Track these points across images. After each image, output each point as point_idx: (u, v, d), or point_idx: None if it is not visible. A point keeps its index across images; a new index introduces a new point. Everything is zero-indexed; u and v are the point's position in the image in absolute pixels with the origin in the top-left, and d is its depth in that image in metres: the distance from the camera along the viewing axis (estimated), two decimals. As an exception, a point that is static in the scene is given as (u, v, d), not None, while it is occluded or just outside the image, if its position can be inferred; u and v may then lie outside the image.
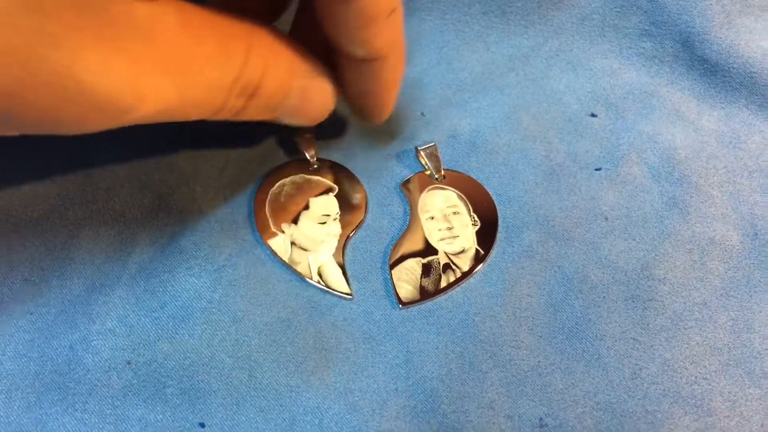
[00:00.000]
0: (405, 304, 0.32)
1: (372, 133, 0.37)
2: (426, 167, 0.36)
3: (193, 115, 0.26)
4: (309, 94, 0.30)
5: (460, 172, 0.36)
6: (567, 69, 0.41)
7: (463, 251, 0.33)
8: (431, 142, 0.36)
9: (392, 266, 0.33)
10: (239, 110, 0.27)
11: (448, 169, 0.36)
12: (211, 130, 0.35)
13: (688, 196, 0.36)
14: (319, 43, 0.31)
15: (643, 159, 0.37)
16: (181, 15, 0.24)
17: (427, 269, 0.33)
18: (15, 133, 0.22)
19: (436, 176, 0.35)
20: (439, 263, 0.33)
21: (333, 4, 0.27)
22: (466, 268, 0.33)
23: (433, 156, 0.36)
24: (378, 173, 0.36)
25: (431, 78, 0.40)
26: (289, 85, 0.29)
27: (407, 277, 0.32)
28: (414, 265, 0.33)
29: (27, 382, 0.29)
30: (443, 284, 0.32)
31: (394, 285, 0.32)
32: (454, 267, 0.33)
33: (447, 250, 0.33)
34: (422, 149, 0.36)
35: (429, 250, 0.33)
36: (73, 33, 0.20)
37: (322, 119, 0.32)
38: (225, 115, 0.27)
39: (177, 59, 0.24)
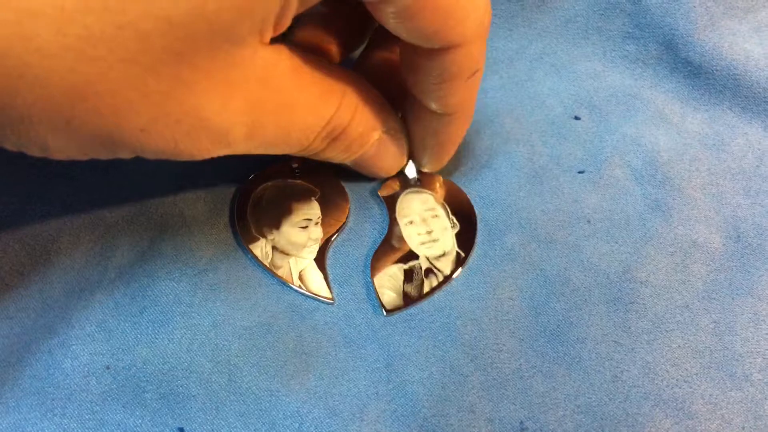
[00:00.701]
0: (389, 311, 0.32)
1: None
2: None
3: (282, 151, 0.28)
4: (386, 148, 0.33)
5: (436, 175, 0.36)
6: (551, 72, 0.41)
7: (443, 254, 0.33)
8: None
9: (374, 273, 0.32)
10: (320, 151, 0.30)
11: (423, 172, 0.36)
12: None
13: (671, 198, 0.36)
14: (393, 86, 0.32)
15: (626, 161, 0.37)
16: (292, 62, 0.26)
17: (409, 275, 0.33)
18: (131, 156, 0.24)
19: (412, 180, 0.35)
20: (420, 268, 0.33)
21: (417, 57, 0.28)
22: (447, 272, 0.33)
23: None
24: (360, 177, 0.36)
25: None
26: (370, 134, 0.31)
27: (390, 284, 0.32)
28: (396, 272, 0.33)
29: (5, 387, 0.28)
30: (426, 289, 0.32)
31: (377, 292, 0.32)
32: (435, 271, 0.33)
33: (428, 255, 0.33)
34: None
35: (410, 255, 0.33)
36: (206, 79, 0.23)
37: (390, 174, 0.35)
38: (305, 154, 0.30)
39: (283, 102, 0.26)
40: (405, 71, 0.30)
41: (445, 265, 0.33)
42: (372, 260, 0.33)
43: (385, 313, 0.32)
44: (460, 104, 0.31)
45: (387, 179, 0.35)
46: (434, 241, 0.34)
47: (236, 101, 0.24)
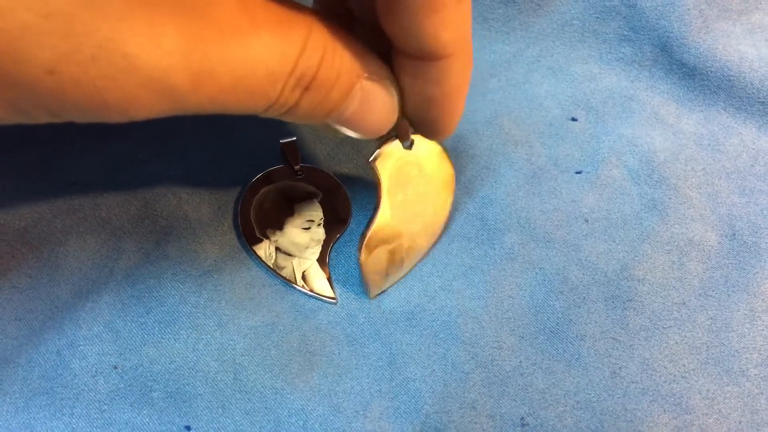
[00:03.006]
0: (375, 296, 0.32)
1: (354, 139, 0.37)
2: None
3: (246, 107, 0.23)
4: (371, 99, 0.27)
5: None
6: (548, 74, 0.41)
7: (422, 228, 0.33)
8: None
9: (362, 255, 0.32)
10: (293, 106, 0.24)
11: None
12: (196, 138, 0.36)
13: (667, 197, 0.37)
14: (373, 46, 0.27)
15: (622, 162, 0.38)
16: None
17: (392, 256, 0.32)
18: (60, 119, 0.20)
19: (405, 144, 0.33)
20: (403, 246, 0.33)
21: None
22: (426, 248, 0.34)
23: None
24: (361, 179, 0.36)
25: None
26: (349, 82, 0.26)
27: (375, 267, 0.32)
28: (381, 254, 0.32)
29: (15, 387, 0.29)
30: (406, 270, 0.33)
31: (364, 279, 0.32)
32: (416, 248, 0.33)
33: (411, 231, 0.33)
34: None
35: (395, 234, 0.32)
36: None
37: (383, 132, 0.29)
38: (277, 111, 0.25)
39: (232, 41, 0.21)
40: (384, 15, 0.25)
41: (425, 241, 0.33)
42: (360, 240, 0.31)
43: (369, 297, 0.32)
44: (455, 39, 0.25)
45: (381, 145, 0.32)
46: (417, 215, 0.33)
47: (169, 35, 0.19)
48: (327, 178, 0.36)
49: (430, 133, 0.30)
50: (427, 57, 0.26)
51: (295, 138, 0.36)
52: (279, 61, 0.23)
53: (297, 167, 0.36)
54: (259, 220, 0.34)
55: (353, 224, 0.35)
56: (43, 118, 0.20)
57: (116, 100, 0.20)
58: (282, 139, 0.36)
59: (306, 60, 0.23)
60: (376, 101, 0.27)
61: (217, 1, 0.21)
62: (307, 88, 0.24)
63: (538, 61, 0.42)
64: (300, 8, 0.24)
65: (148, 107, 0.20)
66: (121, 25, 0.18)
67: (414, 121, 0.30)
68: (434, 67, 0.26)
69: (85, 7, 0.18)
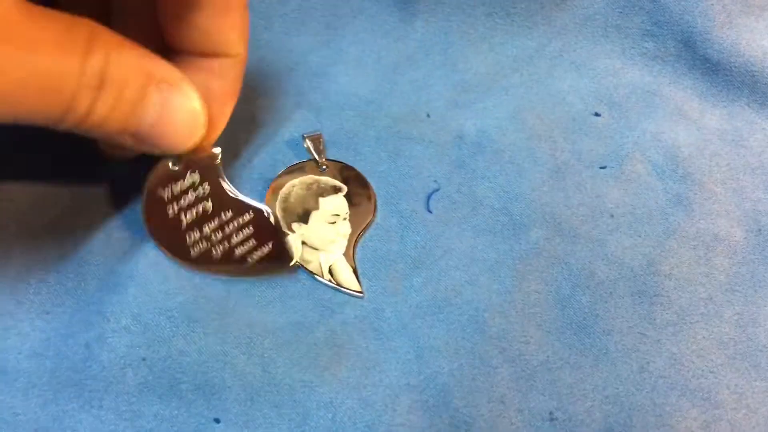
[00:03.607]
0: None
1: (380, 135, 0.37)
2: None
3: (43, 115, 0.23)
4: (171, 106, 0.27)
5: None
6: (571, 69, 0.41)
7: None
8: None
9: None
10: (89, 108, 0.24)
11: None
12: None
13: (692, 193, 0.37)
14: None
15: (646, 157, 0.38)
16: (18, 1, 0.22)
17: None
18: None
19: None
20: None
21: None
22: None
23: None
24: (386, 173, 0.36)
25: (436, 80, 0.40)
26: (140, 82, 0.25)
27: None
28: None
29: (44, 379, 0.29)
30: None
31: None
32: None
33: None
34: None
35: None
36: None
37: (189, 146, 0.29)
38: (75, 118, 0.24)
39: (17, 42, 0.21)
40: (173, 18, 0.27)
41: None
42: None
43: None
44: (241, 40, 0.28)
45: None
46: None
47: None
48: (352, 173, 0.36)
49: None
50: (214, 54, 0.28)
51: (320, 132, 0.36)
52: (67, 60, 0.23)
53: (322, 161, 0.35)
54: (284, 214, 0.34)
55: (379, 218, 0.35)
56: None
57: None
58: (306, 132, 0.36)
59: (94, 59, 0.23)
60: (176, 108, 0.27)
61: None
62: (99, 88, 0.24)
63: (561, 56, 0.41)
64: (80, 17, 0.24)
65: None
66: None
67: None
68: (218, 63, 0.28)
69: None
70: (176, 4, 0.26)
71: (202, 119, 0.28)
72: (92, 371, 0.29)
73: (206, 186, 0.32)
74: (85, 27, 0.23)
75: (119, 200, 0.34)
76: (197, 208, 0.32)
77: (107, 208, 0.34)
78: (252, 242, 0.32)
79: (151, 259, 0.32)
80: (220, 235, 0.32)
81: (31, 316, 0.30)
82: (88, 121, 0.25)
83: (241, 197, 0.32)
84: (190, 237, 0.32)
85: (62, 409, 0.28)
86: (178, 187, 0.31)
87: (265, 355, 0.30)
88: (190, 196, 0.31)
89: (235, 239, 0.32)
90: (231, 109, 0.31)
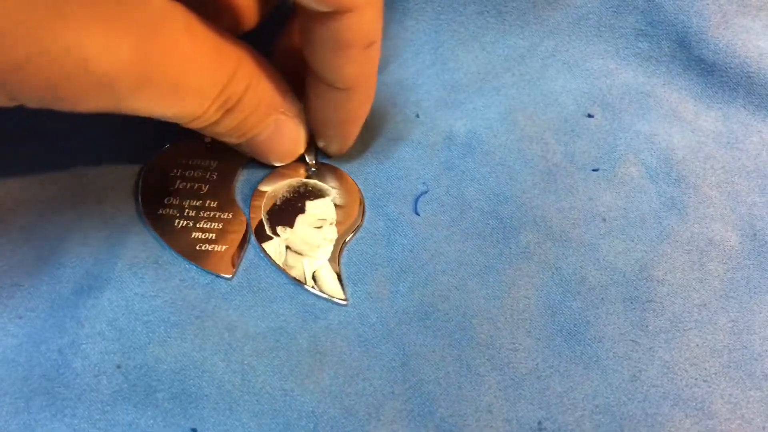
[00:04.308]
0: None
1: (368, 136, 0.36)
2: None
3: (174, 116, 0.27)
4: (283, 130, 0.32)
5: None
6: (563, 69, 0.40)
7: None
8: None
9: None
10: (214, 122, 0.28)
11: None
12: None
13: (686, 196, 0.36)
14: (297, 65, 0.31)
15: (640, 159, 0.37)
16: (186, 17, 0.25)
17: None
18: (12, 104, 0.23)
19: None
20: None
21: (312, 23, 0.28)
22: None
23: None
24: (373, 175, 0.35)
25: (426, 79, 0.39)
26: (266, 113, 0.30)
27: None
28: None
29: (15, 387, 0.28)
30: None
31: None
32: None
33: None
34: None
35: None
36: (86, 9, 0.22)
37: (288, 160, 0.34)
38: (200, 124, 0.28)
39: (176, 59, 0.25)
40: (303, 44, 0.29)
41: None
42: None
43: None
44: (357, 77, 0.30)
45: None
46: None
47: (122, 45, 0.23)
48: (340, 177, 0.35)
49: (327, 149, 0.35)
50: (332, 85, 0.30)
51: (311, 134, 0.35)
52: (210, 84, 0.27)
53: (311, 164, 0.35)
54: (270, 218, 0.33)
55: (366, 223, 0.34)
56: (4, 104, 0.23)
57: (68, 95, 0.23)
58: None
59: (233, 87, 0.28)
60: (286, 133, 0.32)
61: (168, 23, 0.25)
62: (229, 111, 0.28)
63: (553, 56, 0.41)
64: (235, 40, 0.28)
65: (94, 102, 0.24)
66: (83, 34, 0.22)
67: (316, 136, 0.34)
68: (338, 95, 0.31)
69: (54, 17, 0.21)
70: (305, 37, 0.29)
71: (302, 145, 0.34)
72: (65, 379, 0.28)
73: (215, 175, 0.34)
74: (235, 54, 0.28)
75: (96, 202, 0.33)
76: (194, 184, 0.34)
77: (84, 209, 0.33)
78: (212, 236, 0.32)
79: (128, 261, 0.31)
80: (192, 213, 0.33)
81: (3, 320, 0.29)
82: (210, 129, 0.29)
83: (237, 201, 0.34)
84: (169, 199, 0.33)
85: (34, 418, 0.28)
86: (197, 161, 0.34)
87: (245, 362, 0.29)
88: (197, 174, 0.34)
89: (200, 225, 0.32)
90: (353, 133, 0.34)
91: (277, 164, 0.34)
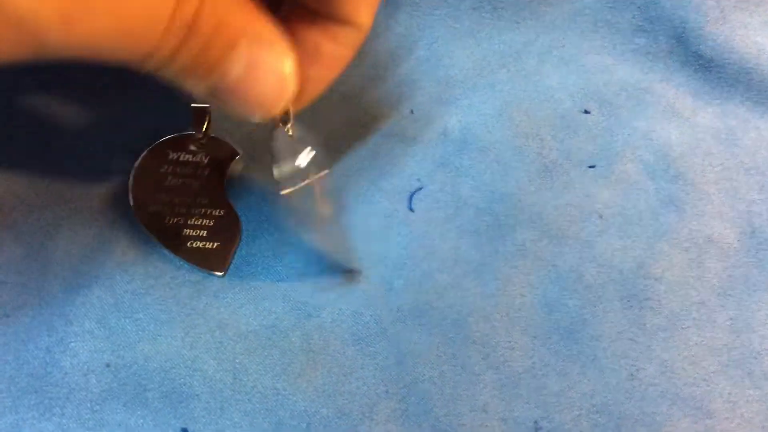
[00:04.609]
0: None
1: (362, 132, 0.36)
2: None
3: (124, 52, 0.21)
4: (259, 65, 0.24)
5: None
6: (559, 65, 0.40)
7: None
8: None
9: None
10: (169, 57, 0.22)
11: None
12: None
13: (684, 193, 0.35)
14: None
15: (637, 156, 0.36)
16: None
17: None
18: None
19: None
20: None
21: None
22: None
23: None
24: (367, 171, 0.35)
25: (420, 75, 0.39)
26: (231, 36, 0.23)
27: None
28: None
29: (2, 386, 0.28)
30: None
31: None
32: None
33: None
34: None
35: None
36: None
37: (272, 109, 0.26)
38: (157, 61, 0.22)
39: None
40: None
41: None
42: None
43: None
44: (371, 13, 0.27)
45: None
46: None
47: None
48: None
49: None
50: (335, 18, 0.26)
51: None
52: (159, 5, 0.21)
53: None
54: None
55: (360, 219, 0.33)
56: None
57: None
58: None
59: (187, 5, 0.21)
60: (264, 68, 0.25)
61: None
62: (186, 36, 0.22)
63: (550, 51, 0.40)
64: None
65: (14, 48, 0.19)
66: None
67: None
68: (337, 28, 0.26)
69: None
70: None
71: (291, 86, 0.26)
72: (53, 377, 0.28)
73: (206, 171, 0.33)
74: None
75: (86, 197, 0.32)
76: (185, 181, 0.33)
77: (73, 205, 0.32)
78: (203, 233, 0.32)
79: (117, 258, 0.31)
80: (183, 210, 0.32)
81: (-11, 318, 0.29)
82: (170, 68, 0.23)
83: (228, 198, 0.33)
84: (160, 195, 0.32)
85: (21, 418, 0.27)
86: (187, 157, 0.33)
87: (237, 361, 0.29)
88: (188, 170, 0.33)
89: (191, 221, 0.32)
90: (333, 78, 0.28)
91: (261, 116, 0.26)
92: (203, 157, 0.33)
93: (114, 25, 0.20)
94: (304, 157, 0.29)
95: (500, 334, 0.31)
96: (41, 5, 0.18)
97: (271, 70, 0.25)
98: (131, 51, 0.21)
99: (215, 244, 0.32)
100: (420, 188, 0.34)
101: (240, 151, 0.34)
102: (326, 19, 0.26)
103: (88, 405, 0.28)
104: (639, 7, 0.40)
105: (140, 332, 0.29)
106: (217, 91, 0.25)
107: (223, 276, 0.31)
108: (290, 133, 0.28)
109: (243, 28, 0.23)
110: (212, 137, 0.33)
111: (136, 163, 0.33)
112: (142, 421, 0.27)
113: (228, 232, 0.32)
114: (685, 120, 0.38)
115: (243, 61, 0.24)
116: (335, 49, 0.27)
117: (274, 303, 0.31)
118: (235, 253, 0.32)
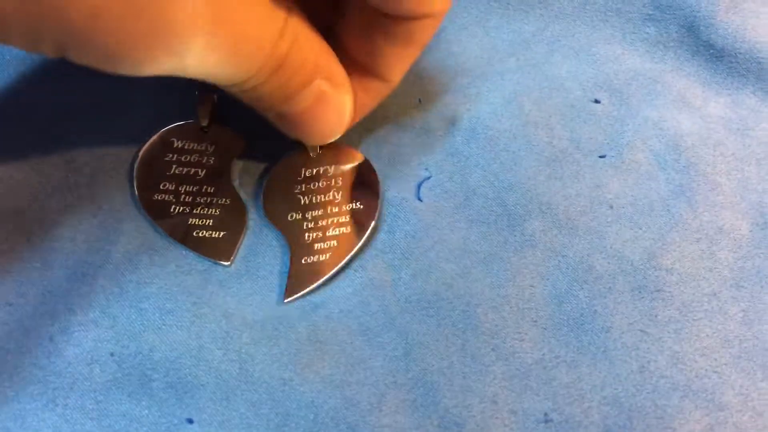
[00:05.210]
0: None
1: (370, 122, 0.36)
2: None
3: (228, 77, 0.25)
4: (326, 101, 0.29)
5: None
6: (569, 54, 0.39)
7: None
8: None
9: None
10: (261, 83, 0.26)
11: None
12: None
13: (695, 184, 0.35)
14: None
15: (648, 146, 0.36)
16: None
17: None
18: (64, 55, 0.22)
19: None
20: None
21: (383, 19, 0.27)
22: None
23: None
24: (374, 160, 0.34)
25: (429, 64, 0.39)
26: (310, 73, 0.27)
27: None
28: None
29: (5, 375, 0.27)
30: None
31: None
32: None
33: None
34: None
35: None
36: None
37: (329, 139, 0.31)
38: (247, 85, 0.26)
39: (238, 9, 0.23)
40: (351, 33, 0.29)
41: None
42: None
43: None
44: (403, 72, 0.31)
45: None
46: None
47: (198, 1, 0.22)
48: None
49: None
50: (379, 77, 0.30)
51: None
52: (266, 36, 0.25)
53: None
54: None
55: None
56: (52, 52, 0.22)
57: (133, 53, 0.22)
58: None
59: (283, 42, 0.25)
60: (329, 105, 0.29)
61: None
62: (275, 69, 0.26)
63: (559, 40, 0.40)
64: None
65: (158, 63, 0.22)
66: None
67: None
68: (370, 80, 0.31)
69: None
70: (367, 24, 0.28)
71: (347, 121, 0.31)
72: (57, 367, 0.28)
73: (212, 159, 0.33)
74: (283, 6, 0.26)
75: (90, 186, 0.32)
76: (190, 169, 0.33)
77: (77, 195, 0.32)
78: (209, 222, 0.31)
79: (122, 247, 0.30)
80: (189, 199, 0.32)
81: (-8, 307, 0.29)
82: (253, 92, 0.27)
83: (235, 186, 0.33)
84: (165, 184, 0.32)
85: (24, 408, 0.27)
86: (193, 145, 0.33)
87: (243, 351, 0.29)
88: (193, 158, 0.33)
89: (197, 211, 0.32)
90: (354, 123, 0.32)
91: (315, 143, 0.32)
92: (209, 146, 0.33)
93: (232, 56, 0.24)
94: None
95: (509, 325, 0.30)
96: (196, 34, 0.22)
97: (335, 107, 0.29)
98: (237, 74, 0.25)
99: (222, 233, 0.31)
100: (428, 177, 0.34)
101: (246, 139, 0.33)
102: (364, 71, 0.30)
103: (92, 395, 0.27)
104: (649, -4, 0.40)
105: (145, 322, 0.29)
106: (286, 117, 0.29)
107: (229, 265, 0.31)
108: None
109: (321, 66, 0.28)
110: (218, 125, 0.33)
111: (141, 152, 0.32)
112: (146, 411, 0.27)
113: (234, 221, 0.32)
114: (696, 110, 0.38)
115: (313, 97, 0.28)
116: (363, 97, 0.31)
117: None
118: (241, 242, 0.31)
